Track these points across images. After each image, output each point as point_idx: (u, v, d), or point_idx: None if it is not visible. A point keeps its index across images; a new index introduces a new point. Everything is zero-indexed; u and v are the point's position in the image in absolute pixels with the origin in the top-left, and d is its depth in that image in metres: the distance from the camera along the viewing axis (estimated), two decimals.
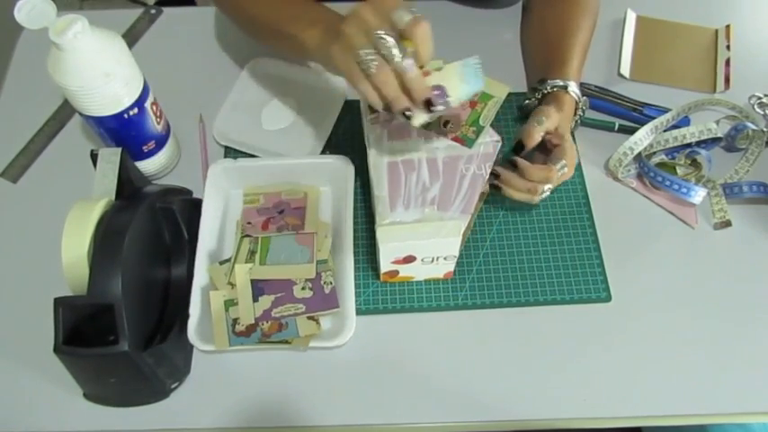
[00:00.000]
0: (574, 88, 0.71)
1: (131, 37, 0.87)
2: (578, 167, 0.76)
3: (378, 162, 0.63)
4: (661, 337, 0.66)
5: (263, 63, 0.82)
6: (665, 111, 0.79)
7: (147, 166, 0.73)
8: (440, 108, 0.54)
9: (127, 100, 0.64)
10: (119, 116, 0.65)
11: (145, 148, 0.71)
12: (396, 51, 0.50)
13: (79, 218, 0.57)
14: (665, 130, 0.77)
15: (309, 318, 0.64)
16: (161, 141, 0.72)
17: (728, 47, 0.85)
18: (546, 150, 0.68)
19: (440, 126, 0.61)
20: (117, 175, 0.63)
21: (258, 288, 0.65)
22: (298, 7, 0.65)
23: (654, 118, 0.77)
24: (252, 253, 0.66)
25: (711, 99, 0.80)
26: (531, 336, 0.66)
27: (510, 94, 0.64)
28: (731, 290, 0.69)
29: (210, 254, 0.68)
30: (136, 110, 0.66)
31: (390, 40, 0.50)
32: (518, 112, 0.79)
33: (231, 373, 0.64)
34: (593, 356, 0.65)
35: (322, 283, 0.65)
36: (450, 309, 0.68)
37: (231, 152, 0.77)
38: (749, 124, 0.76)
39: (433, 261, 0.64)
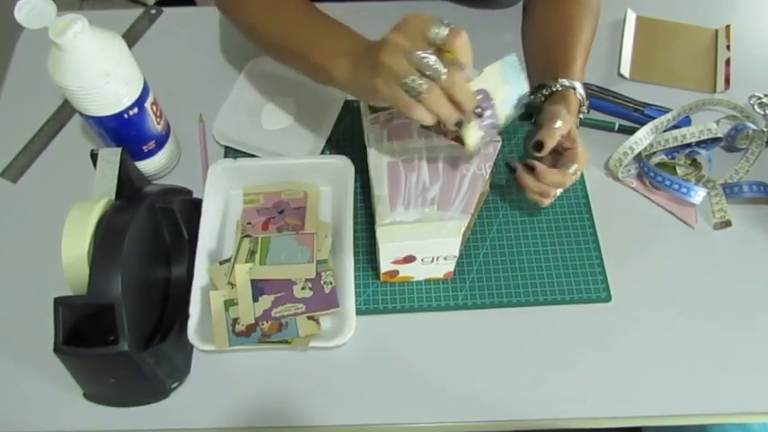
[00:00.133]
0: (580, 89, 0.70)
1: (131, 37, 0.87)
2: None
3: (378, 162, 0.63)
4: (661, 336, 0.66)
5: (262, 63, 0.82)
6: (666, 111, 0.79)
7: (147, 166, 0.73)
8: (488, 113, 0.55)
9: (127, 100, 0.64)
10: (119, 116, 0.65)
11: (145, 148, 0.71)
12: (440, 67, 0.50)
13: (79, 218, 0.57)
14: (665, 130, 0.77)
15: (309, 318, 0.64)
16: (161, 141, 0.72)
17: (728, 47, 0.85)
18: (554, 152, 0.68)
19: (440, 126, 0.61)
20: (117, 175, 0.63)
21: (258, 288, 0.65)
22: (319, 29, 0.63)
23: (654, 118, 0.77)
24: (252, 253, 0.66)
25: (711, 99, 0.80)
26: (531, 336, 0.66)
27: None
28: (731, 290, 0.69)
29: (210, 254, 0.68)
30: (136, 110, 0.66)
31: (432, 58, 0.50)
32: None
33: (231, 373, 0.64)
34: (593, 356, 0.65)
35: (322, 282, 0.65)
36: (450, 309, 0.68)
37: (231, 152, 0.77)
38: (749, 124, 0.76)
39: (432, 261, 0.64)
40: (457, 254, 0.63)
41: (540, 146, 0.64)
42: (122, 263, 0.55)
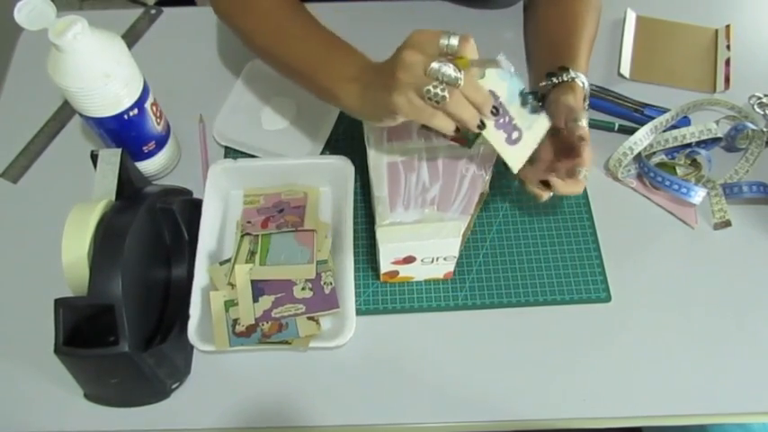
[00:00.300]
0: (586, 82, 0.70)
1: (131, 37, 0.87)
2: None
3: (377, 162, 0.63)
4: (661, 337, 0.66)
5: (263, 63, 0.82)
6: (666, 111, 0.79)
7: (147, 166, 0.73)
8: (501, 111, 0.57)
9: (127, 101, 0.64)
10: (119, 117, 0.65)
11: (145, 149, 0.71)
12: (458, 74, 0.51)
13: (79, 219, 0.57)
14: (664, 130, 0.77)
15: (309, 318, 0.64)
16: (161, 142, 0.72)
17: (728, 47, 0.85)
18: (558, 144, 0.67)
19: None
20: (117, 175, 0.63)
21: (258, 288, 0.65)
22: (324, 49, 0.63)
23: (654, 118, 0.77)
24: (252, 253, 0.66)
25: (711, 99, 0.80)
26: (531, 336, 0.66)
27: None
28: (731, 290, 0.69)
29: (210, 254, 0.68)
30: (136, 110, 0.66)
31: (450, 66, 0.51)
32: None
33: (231, 374, 0.64)
34: (593, 356, 0.65)
35: (322, 283, 0.66)
36: (450, 309, 0.68)
37: (231, 152, 0.77)
38: (749, 124, 0.76)
39: (432, 261, 0.64)
40: (457, 254, 0.63)
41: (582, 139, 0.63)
42: (122, 264, 0.55)
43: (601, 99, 0.80)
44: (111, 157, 0.64)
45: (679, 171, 0.75)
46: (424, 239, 0.59)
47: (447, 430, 0.63)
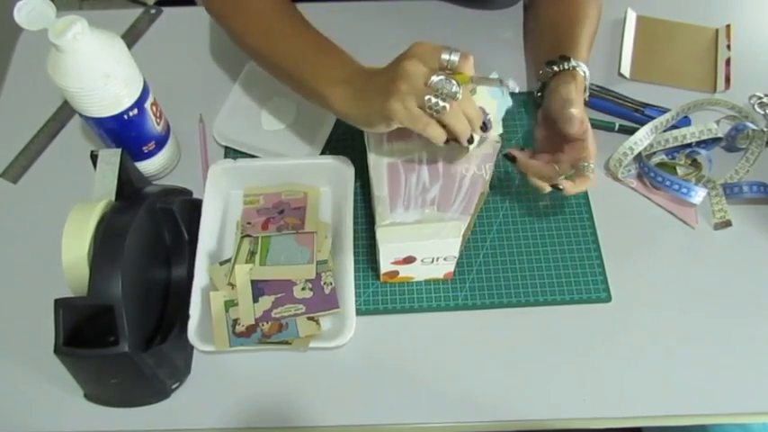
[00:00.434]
0: (586, 71, 0.70)
1: (131, 37, 0.87)
2: None
3: (377, 163, 0.63)
4: (661, 337, 0.66)
5: None
6: (666, 111, 0.78)
7: (147, 166, 0.73)
8: (488, 127, 0.60)
9: (127, 101, 0.64)
10: (119, 117, 0.65)
11: (145, 149, 0.71)
12: (457, 88, 0.54)
13: (79, 219, 0.57)
14: (665, 130, 0.77)
15: (309, 318, 0.64)
16: (161, 142, 0.72)
17: (729, 46, 0.85)
18: (560, 138, 0.67)
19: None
20: (117, 175, 0.63)
21: (258, 289, 0.65)
22: (315, 51, 0.64)
23: (654, 118, 0.77)
24: (252, 253, 0.66)
25: (711, 99, 0.80)
26: (531, 336, 0.66)
27: (515, 94, 0.64)
28: (731, 290, 0.69)
29: (210, 254, 0.68)
30: (136, 110, 0.66)
31: (453, 80, 0.54)
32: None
33: (231, 374, 0.64)
34: (593, 356, 0.65)
35: (322, 283, 0.66)
36: (450, 309, 0.68)
37: (231, 152, 0.77)
38: (749, 124, 0.76)
39: (432, 262, 0.64)
40: (457, 254, 0.63)
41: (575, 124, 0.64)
42: (122, 264, 0.55)
43: (601, 99, 0.80)
44: (111, 157, 0.64)
45: (679, 171, 0.75)
46: (423, 239, 0.59)
47: (447, 430, 0.63)
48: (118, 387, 0.61)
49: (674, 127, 0.77)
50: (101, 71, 0.60)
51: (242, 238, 0.68)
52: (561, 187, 0.63)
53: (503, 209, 0.74)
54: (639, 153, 0.75)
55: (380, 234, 0.59)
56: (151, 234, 0.63)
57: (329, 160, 0.71)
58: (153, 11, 0.90)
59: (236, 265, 0.65)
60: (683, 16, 0.89)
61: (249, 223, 0.70)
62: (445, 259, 0.64)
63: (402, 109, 0.54)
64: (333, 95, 0.60)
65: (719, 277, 0.69)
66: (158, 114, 0.70)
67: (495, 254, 0.71)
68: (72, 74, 0.60)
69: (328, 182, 0.73)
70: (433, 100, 0.53)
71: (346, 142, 0.77)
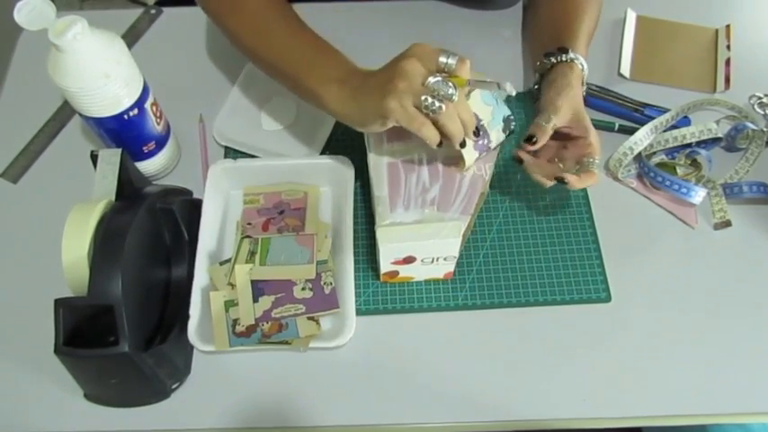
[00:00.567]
0: (584, 64, 0.70)
1: (131, 37, 0.87)
2: None
3: (377, 163, 0.63)
4: (661, 337, 0.66)
5: None
6: (666, 111, 0.78)
7: (147, 166, 0.73)
8: (481, 133, 0.61)
9: (127, 101, 0.64)
10: (119, 117, 0.65)
11: (145, 149, 0.71)
12: (453, 90, 0.54)
13: (79, 219, 0.57)
14: (665, 130, 0.77)
15: (309, 318, 0.64)
16: (161, 142, 0.72)
17: (729, 47, 0.85)
18: (562, 137, 0.67)
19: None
20: (117, 175, 0.63)
21: (258, 289, 0.65)
22: (310, 51, 0.64)
23: (654, 118, 0.77)
24: (252, 253, 0.66)
25: (711, 99, 0.80)
26: (531, 336, 0.66)
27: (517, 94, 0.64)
28: (731, 290, 0.69)
29: (211, 254, 0.68)
30: (136, 110, 0.66)
31: (449, 82, 0.54)
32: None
33: (231, 374, 0.64)
34: (594, 356, 0.65)
35: (322, 283, 0.66)
36: (450, 309, 0.68)
37: (231, 152, 0.77)
38: (749, 124, 0.76)
39: (432, 262, 0.64)
40: (457, 254, 0.63)
41: (530, 139, 0.65)
42: (122, 264, 0.55)
43: (601, 99, 0.80)
44: (111, 157, 0.64)
45: (679, 171, 0.75)
46: (423, 239, 0.59)
47: (447, 430, 0.63)
48: (118, 387, 0.61)
49: (674, 127, 0.77)
50: (101, 71, 0.60)
51: (242, 238, 0.68)
52: (567, 181, 0.63)
53: (503, 209, 0.74)
54: (639, 153, 0.75)
55: (380, 234, 0.59)
56: (151, 234, 0.63)
57: (329, 160, 0.71)
58: (153, 11, 0.90)
59: (236, 265, 0.65)
60: (683, 16, 0.89)
61: (249, 224, 0.70)
62: (445, 259, 0.64)
63: (398, 107, 0.54)
64: (328, 95, 0.60)
65: (719, 277, 0.69)
66: (158, 114, 0.70)
67: (495, 254, 0.71)
68: (72, 74, 0.60)
69: (328, 182, 0.73)
70: (429, 100, 0.54)
71: (346, 142, 0.77)
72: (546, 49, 0.72)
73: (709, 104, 0.81)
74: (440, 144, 0.57)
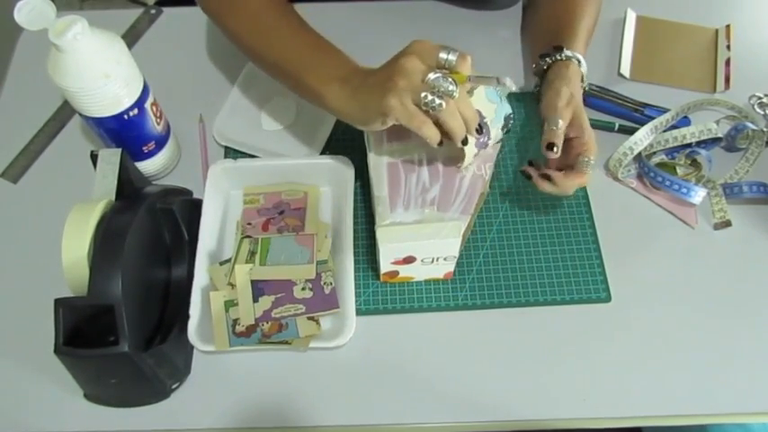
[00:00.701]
0: (583, 62, 0.70)
1: (131, 37, 0.87)
2: None
3: (377, 163, 0.63)
4: (661, 337, 0.66)
5: None
6: (666, 111, 0.78)
7: (147, 166, 0.73)
8: (484, 131, 0.60)
9: (127, 101, 0.64)
10: (119, 117, 0.65)
11: (145, 149, 0.71)
12: (454, 87, 0.54)
13: (79, 219, 0.57)
14: (665, 130, 0.77)
15: (309, 318, 0.64)
16: (161, 142, 0.72)
17: (728, 47, 0.85)
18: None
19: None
20: (117, 175, 0.63)
21: (258, 289, 0.65)
22: (311, 50, 0.64)
23: (654, 118, 0.77)
24: (252, 253, 0.66)
25: (711, 99, 0.80)
26: (532, 336, 0.66)
27: (516, 94, 0.64)
28: (731, 290, 0.69)
29: (211, 254, 0.68)
30: (136, 110, 0.66)
31: (449, 79, 0.54)
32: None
33: (231, 374, 0.64)
34: (594, 356, 0.65)
35: (322, 283, 0.66)
36: (450, 309, 0.68)
37: (231, 152, 0.77)
38: (749, 124, 0.76)
39: (432, 261, 0.64)
40: (457, 254, 0.63)
41: (552, 147, 0.64)
42: (122, 264, 0.55)
43: (601, 99, 0.80)
44: (111, 157, 0.64)
45: (679, 171, 0.75)
46: (423, 239, 0.59)
47: (447, 430, 0.63)
48: (118, 387, 0.61)
49: (674, 127, 0.77)
50: (101, 71, 0.60)
51: (242, 238, 0.68)
52: (553, 179, 0.63)
53: (503, 209, 0.74)
54: (639, 153, 0.75)
55: (380, 234, 0.59)
56: (151, 234, 0.63)
57: (329, 160, 0.71)
58: (153, 11, 0.90)
59: (236, 265, 0.65)
60: (683, 16, 0.89)
61: (249, 224, 0.70)
62: (445, 259, 0.64)
63: (399, 105, 0.54)
64: (329, 93, 0.60)
65: (719, 277, 0.69)
66: (158, 114, 0.70)
67: (495, 254, 0.71)
68: (72, 74, 0.60)
69: (328, 182, 0.73)
70: (430, 97, 0.53)
71: (346, 142, 0.77)
72: (543, 51, 0.72)
73: (709, 104, 0.81)
74: (440, 143, 0.57)
